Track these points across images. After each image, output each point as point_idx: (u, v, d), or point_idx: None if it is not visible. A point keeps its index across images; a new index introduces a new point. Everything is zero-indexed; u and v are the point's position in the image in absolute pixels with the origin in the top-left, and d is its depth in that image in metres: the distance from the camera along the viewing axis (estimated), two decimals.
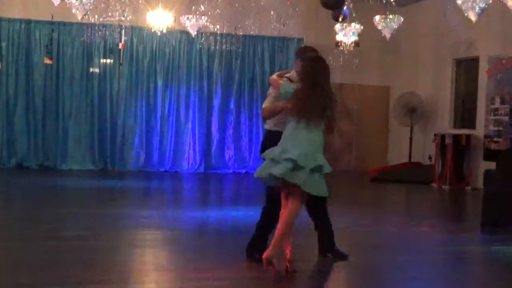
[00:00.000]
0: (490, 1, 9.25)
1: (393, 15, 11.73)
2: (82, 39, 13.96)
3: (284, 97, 5.56)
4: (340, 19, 12.57)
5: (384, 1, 11.70)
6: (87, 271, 5.17)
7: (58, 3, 11.06)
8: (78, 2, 10.80)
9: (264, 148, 5.75)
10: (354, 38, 13.28)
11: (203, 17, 12.48)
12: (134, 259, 5.93)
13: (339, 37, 13.79)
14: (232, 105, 15.26)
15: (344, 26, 12.95)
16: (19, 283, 4.77)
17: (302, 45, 6.21)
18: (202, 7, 12.77)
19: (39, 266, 5.29)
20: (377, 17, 11.76)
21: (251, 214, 9.09)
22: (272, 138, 5.71)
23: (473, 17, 9.33)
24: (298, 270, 5.42)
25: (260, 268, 5.43)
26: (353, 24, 12.89)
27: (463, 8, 9.23)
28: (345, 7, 12.42)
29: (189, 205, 10.19)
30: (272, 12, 14.16)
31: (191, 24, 12.36)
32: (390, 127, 16.27)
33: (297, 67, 5.85)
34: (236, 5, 14.27)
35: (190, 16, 12.35)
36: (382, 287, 5.34)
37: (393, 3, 11.85)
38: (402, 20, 11.86)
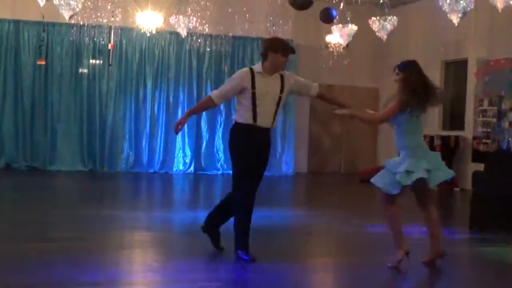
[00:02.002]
0: (472, 5, 9.29)
1: (388, 16, 11.79)
2: (71, 39, 13.91)
3: None
4: (329, 21, 12.62)
5: (371, 4, 11.75)
6: (75, 273, 5.15)
7: (43, 3, 11.03)
8: (65, 2, 10.77)
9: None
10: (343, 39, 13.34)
11: (193, 18, 12.48)
12: (123, 260, 5.91)
13: (329, 38, 13.85)
14: (221, 106, 15.25)
15: (335, 28, 13.02)
16: (6, 284, 4.74)
17: (272, 38, 6.10)
18: (191, 9, 12.77)
19: (27, 268, 5.26)
20: (373, 18, 11.81)
21: None
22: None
23: (455, 19, 9.37)
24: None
25: (249, 270, 5.44)
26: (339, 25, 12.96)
27: (447, 10, 9.28)
28: (334, 11, 12.46)
29: (178, 206, 10.17)
30: (261, 14, 14.18)
31: (181, 25, 12.36)
32: (380, 128, 16.31)
33: (276, 61, 5.77)
34: (226, 6, 14.28)
35: (180, 17, 12.35)
36: None
37: (388, 4, 11.90)
38: (396, 21, 11.91)
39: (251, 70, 5.82)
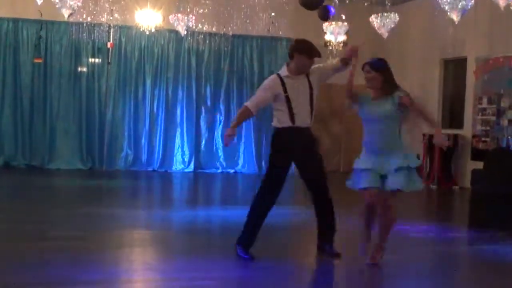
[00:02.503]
0: (472, 2, 9.29)
1: (389, 13, 11.78)
2: (70, 38, 13.91)
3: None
4: (327, 18, 12.62)
5: (370, 2, 11.76)
6: (74, 271, 5.15)
7: (41, 1, 11.03)
8: (63, 1, 10.78)
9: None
10: (342, 37, 13.34)
11: (192, 16, 12.48)
12: (122, 259, 5.91)
13: (327, 36, 13.84)
14: (221, 105, 15.25)
15: (332, 25, 13.02)
16: (6, 284, 4.74)
17: (299, 39, 6.14)
18: (190, 7, 12.77)
19: (27, 266, 5.26)
20: (373, 16, 11.80)
21: (240, 213, 9.10)
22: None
23: (455, 17, 9.36)
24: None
25: (248, 268, 5.44)
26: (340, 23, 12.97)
27: (447, 8, 9.27)
28: (332, 8, 12.47)
29: (177, 204, 10.17)
30: (260, 12, 14.17)
31: (180, 23, 12.36)
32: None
33: (301, 62, 5.84)
34: (225, 5, 14.27)
35: (179, 15, 12.36)
36: (370, 287, 5.36)
37: (386, 3, 11.91)
38: (397, 18, 11.90)
39: (279, 75, 5.92)
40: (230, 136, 5.89)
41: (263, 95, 5.89)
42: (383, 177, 5.62)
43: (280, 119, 5.87)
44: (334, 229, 6.06)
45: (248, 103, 5.95)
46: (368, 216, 5.86)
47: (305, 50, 5.87)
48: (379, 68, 5.72)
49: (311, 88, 5.92)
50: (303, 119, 5.86)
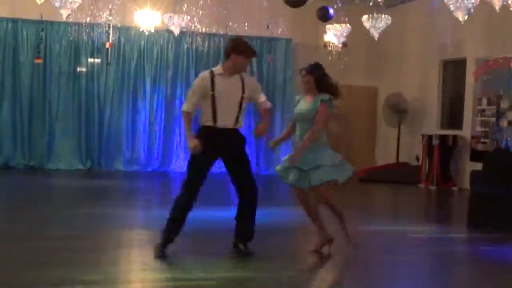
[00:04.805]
0: (477, 1, 9.30)
1: (381, 14, 11.79)
2: (69, 38, 13.92)
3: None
4: (326, 19, 12.63)
5: (371, 3, 11.76)
6: (73, 271, 5.14)
7: (41, 1, 11.03)
8: (62, 2, 10.79)
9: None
10: (342, 39, 13.35)
11: (187, 16, 12.52)
12: (121, 259, 5.91)
13: (327, 37, 13.85)
14: None
15: (334, 26, 13.04)
16: (3, 283, 4.74)
17: (236, 39, 6.11)
18: (189, 7, 12.79)
19: (25, 266, 5.25)
20: (365, 17, 11.82)
21: None
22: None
23: (461, 17, 9.37)
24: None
25: (248, 268, 5.44)
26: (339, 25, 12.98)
27: (452, 8, 9.28)
28: (331, 9, 12.49)
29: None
30: (259, 13, 14.18)
31: (174, 23, 12.41)
32: (378, 127, 16.34)
33: (238, 62, 5.84)
34: (224, 5, 14.27)
35: (173, 14, 12.41)
36: (368, 287, 5.35)
37: (381, 4, 11.91)
38: (390, 20, 11.91)
39: (211, 72, 5.90)
40: (193, 148, 5.78)
41: (194, 96, 5.90)
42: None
43: (204, 117, 5.87)
44: (251, 233, 6.00)
45: (184, 108, 5.95)
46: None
47: (242, 50, 5.85)
48: (311, 71, 6.17)
49: (243, 91, 5.87)
50: (227, 120, 5.81)
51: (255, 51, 6.02)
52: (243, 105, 5.90)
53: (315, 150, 6.02)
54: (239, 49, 5.85)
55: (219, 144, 5.81)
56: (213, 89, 5.79)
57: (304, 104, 6.15)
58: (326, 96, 6.07)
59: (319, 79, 6.11)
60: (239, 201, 6.04)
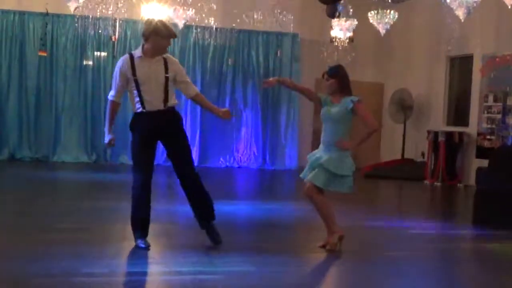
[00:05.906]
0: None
1: (387, 10, 11.77)
2: (75, 31, 13.93)
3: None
4: (335, 16, 12.61)
5: None
6: (78, 264, 5.16)
7: None
8: None
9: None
10: (348, 34, 13.33)
11: (192, 9, 12.51)
12: (125, 252, 5.91)
13: (333, 32, 13.82)
14: (226, 99, 15.23)
15: (341, 21, 13.01)
16: (9, 275, 4.75)
17: (153, 20, 6.01)
18: (196, 1, 12.77)
19: (29, 258, 5.27)
20: (372, 12, 11.79)
21: (244, 208, 9.12)
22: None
23: (461, 15, 9.34)
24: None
25: (251, 263, 5.45)
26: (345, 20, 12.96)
27: (453, 6, 9.25)
28: (339, 4, 12.46)
29: (180, 199, 10.15)
30: (266, 7, 14.15)
31: (179, 16, 12.40)
32: (384, 123, 16.31)
33: (158, 44, 5.77)
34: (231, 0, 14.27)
35: (177, 8, 12.40)
36: (372, 284, 5.35)
37: (388, 0, 11.89)
38: (396, 15, 11.88)
39: (131, 55, 5.85)
40: (107, 144, 5.91)
41: (118, 84, 5.86)
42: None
43: (133, 104, 5.85)
44: (210, 212, 6.06)
45: (109, 97, 5.95)
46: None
47: (161, 32, 5.78)
48: (333, 74, 6.24)
49: (166, 71, 5.83)
50: (156, 103, 5.78)
51: (174, 32, 5.98)
52: (169, 87, 5.85)
53: (339, 154, 6.00)
54: (157, 31, 5.77)
55: (153, 127, 5.81)
56: (134, 73, 5.74)
57: (331, 105, 6.16)
58: (355, 97, 6.13)
59: (341, 81, 6.21)
60: (185, 192, 6.08)
